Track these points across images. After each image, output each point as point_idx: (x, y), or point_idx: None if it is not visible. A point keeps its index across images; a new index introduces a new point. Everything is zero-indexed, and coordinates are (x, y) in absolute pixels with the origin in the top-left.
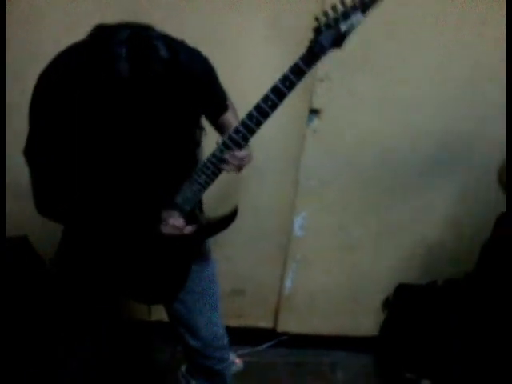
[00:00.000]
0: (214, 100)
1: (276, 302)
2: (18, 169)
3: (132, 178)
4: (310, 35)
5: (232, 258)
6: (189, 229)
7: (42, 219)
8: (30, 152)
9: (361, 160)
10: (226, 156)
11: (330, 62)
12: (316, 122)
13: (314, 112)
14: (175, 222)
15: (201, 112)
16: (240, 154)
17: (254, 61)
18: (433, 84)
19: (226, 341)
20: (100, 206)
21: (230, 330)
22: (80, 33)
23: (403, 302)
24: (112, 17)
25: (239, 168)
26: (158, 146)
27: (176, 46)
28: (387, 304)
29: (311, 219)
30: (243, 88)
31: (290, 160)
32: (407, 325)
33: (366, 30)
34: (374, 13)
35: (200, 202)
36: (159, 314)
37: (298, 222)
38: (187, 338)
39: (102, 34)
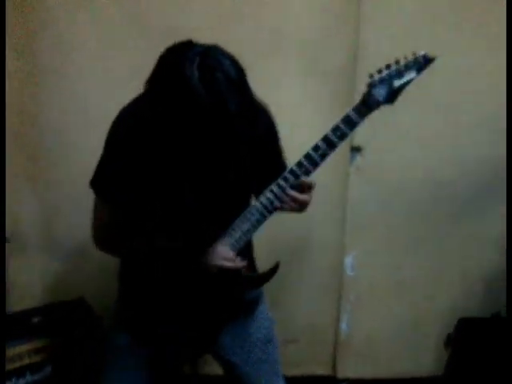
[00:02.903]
0: (275, 158)
1: (333, 346)
2: (75, 229)
3: (187, 212)
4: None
5: (282, 304)
6: (239, 261)
7: (98, 280)
8: (98, 182)
9: (407, 194)
10: (285, 197)
11: None
12: (358, 159)
13: (355, 149)
14: (225, 251)
15: (261, 164)
16: (300, 197)
17: (291, 108)
18: (479, 110)
19: None
20: (156, 236)
21: (288, 379)
22: None
23: (467, 337)
24: None
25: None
26: (218, 180)
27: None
28: (449, 341)
29: (362, 257)
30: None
31: (336, 199)
32: (473, 361)
33: None
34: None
35: (252, 260)
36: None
37: (348, 261)
38: None
39: (175, 49)
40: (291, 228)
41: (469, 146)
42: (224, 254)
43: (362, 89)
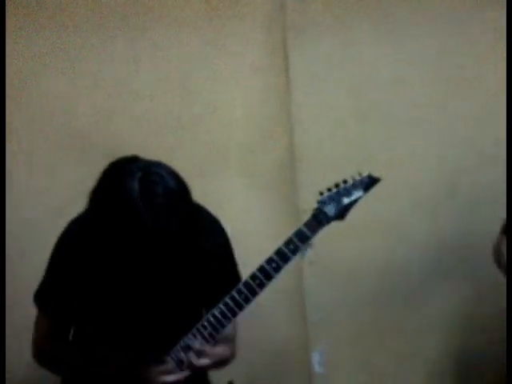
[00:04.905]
0: (226, 270)
1: None
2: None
3: (131, 326)
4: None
5: None
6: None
7: None
8: (42, 297)
9: (364, 281)
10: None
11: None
12: (310, 253)
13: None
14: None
15: (211, 277)
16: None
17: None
18: (422, 196)
19: None
20: (99, 353)
21: None
22: None
23: None
24: None
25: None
26: (162, 295)
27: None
28: None
29: (329, 352)
30: None
31: (294, 297)
32: None
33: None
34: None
35: (205, 377)
36: None
37: (315, 357)
38: None
39: (118, 163)
40: (251, 332)
41: (418, 232)
42: (166, 370)
43: (304, 196)
